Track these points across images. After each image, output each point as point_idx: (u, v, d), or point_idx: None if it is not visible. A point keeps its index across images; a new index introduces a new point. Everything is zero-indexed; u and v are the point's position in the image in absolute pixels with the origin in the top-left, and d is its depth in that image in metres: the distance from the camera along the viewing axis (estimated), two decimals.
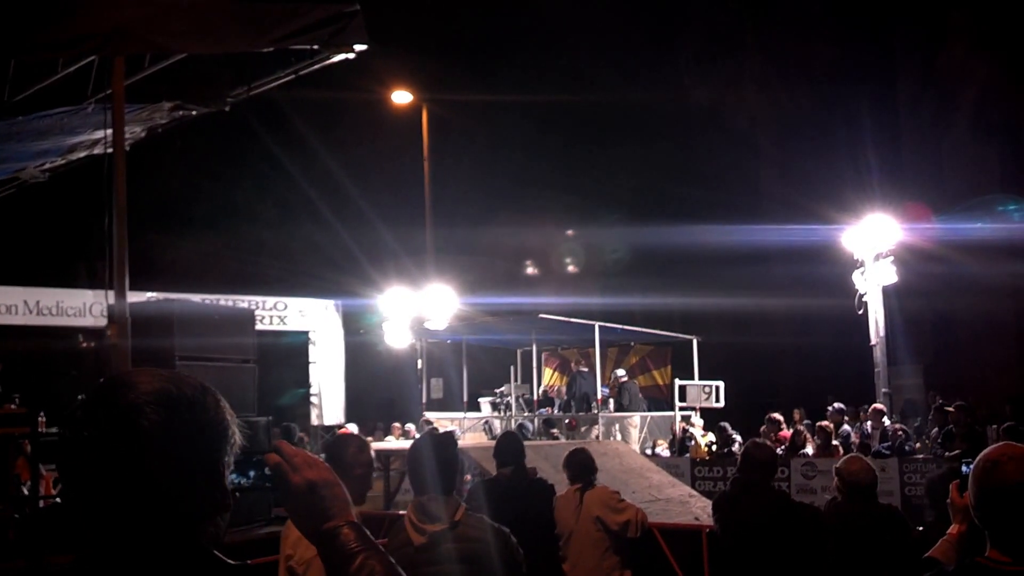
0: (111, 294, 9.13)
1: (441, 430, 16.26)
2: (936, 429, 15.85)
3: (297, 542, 4.43)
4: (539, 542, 7.05)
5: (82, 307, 19.60)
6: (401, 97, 25.92)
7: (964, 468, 3.29)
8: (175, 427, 1.62)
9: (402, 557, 4.49)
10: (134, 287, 10.39)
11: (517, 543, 4.63)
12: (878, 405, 17.25)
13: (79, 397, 1.73)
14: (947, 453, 14.59)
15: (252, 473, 2.00)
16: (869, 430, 16.64)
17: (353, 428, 19.47)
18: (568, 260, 30.91)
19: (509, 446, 7.90)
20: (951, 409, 15.84)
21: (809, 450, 16.40)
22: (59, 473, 1.70)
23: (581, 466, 7.47)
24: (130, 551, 1.58)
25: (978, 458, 2.99)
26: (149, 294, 16.91)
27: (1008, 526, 2.87)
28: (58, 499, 10.12)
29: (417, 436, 18.09)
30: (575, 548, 7.15)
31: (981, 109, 25.80)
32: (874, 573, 5.74)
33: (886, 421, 16.56)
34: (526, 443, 8.43)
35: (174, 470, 1.61)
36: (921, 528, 6.18)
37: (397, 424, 20.21)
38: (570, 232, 30.38)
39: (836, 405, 18.01)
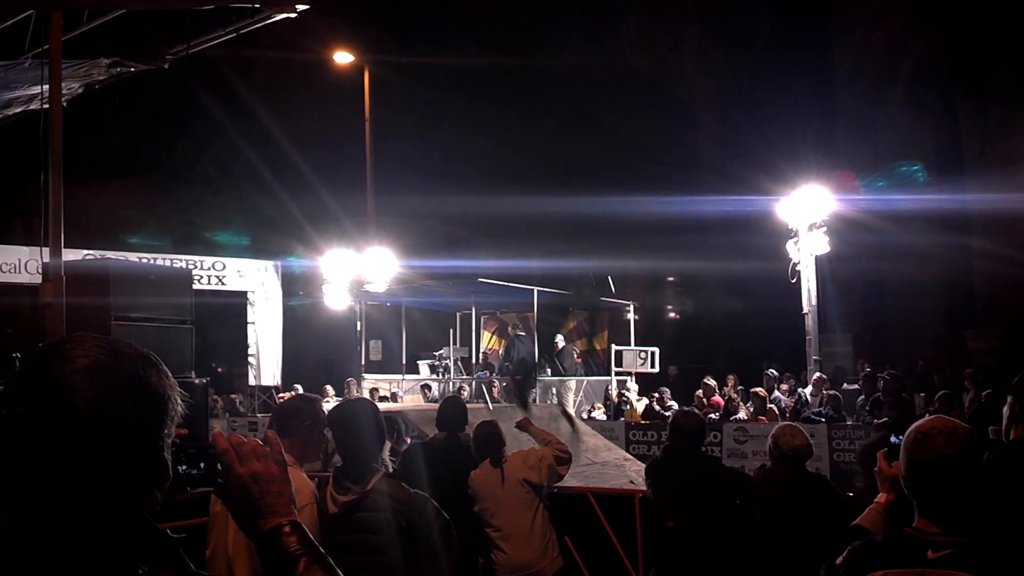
0: (46, 251, 9.02)
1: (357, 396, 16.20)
2: (863, 397, 16.23)
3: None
4: (468, 508, 7.11)
5: (17, 264, 19.29)
6: (343, 58, 25.66)
7: (893, 439, 3.35)
8: (111, 404, 1.57)
9: (323, 524, 4.48)
10: (70, 245, 10.27)
11: (438, 508, 4.58)
12: (821, 374, 17.66)
13: (15, 356, 1.71)
14: (875, 420, 14.98)
15: (203, 465, 1.99)
16: (808, 397, 17.01)
17: (299, 390, 19.49)
18: None
19: (448, 412, 7.93)
20: (886, 377, 16.20)
21: (742, 415, 16.74)
22: None
23: (484, 442, 7.28)
24: (67, 523, 1.55)
25: (909, 430, 3.06)
26: (85, 252, 16.71)
27: (937, 497, 2.95)
28: None
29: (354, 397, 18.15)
30: (506, 517, 7.02)
31: (916, 84, 26.20)
32: (804, 539, 5.85)
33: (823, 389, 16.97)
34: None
35: (110, 447, 1.57)
36: (852, 494, 6.32)
37: (329, 387, 20.23)
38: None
39: (771, 371, 18.38)
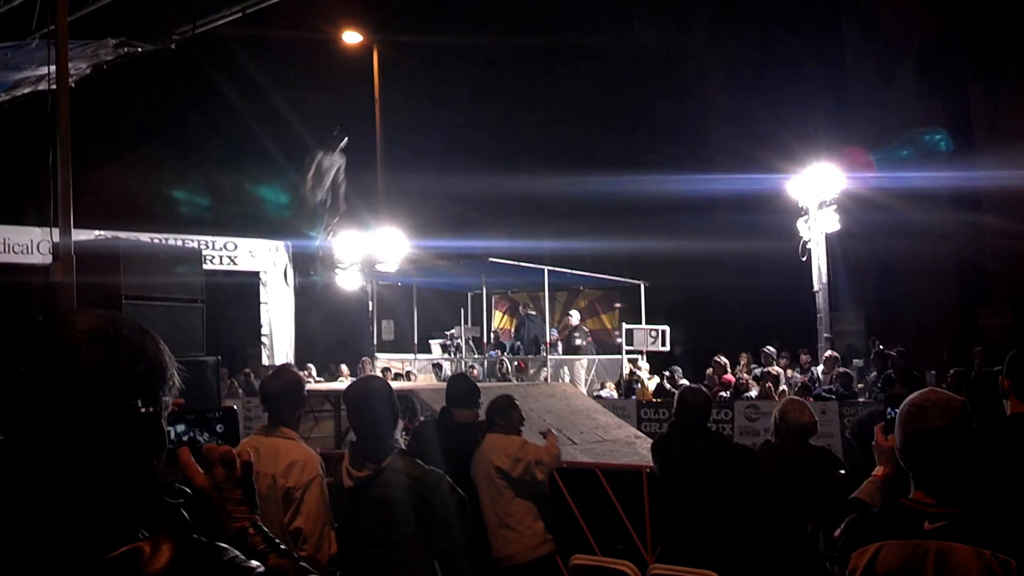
0: (56, 231, 9.07)
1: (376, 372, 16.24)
2: (875, 373, 16.21)
3: (288, 469, 4.47)
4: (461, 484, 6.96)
5: (29, 244, 19.31)
6: (351, 37, 25.62)
7: (890, 412, 3.36)
8: (111, 366, 1.62)
9: (336, 498, 4.60)
10: (82, 225, 10.32)
11: (453, 485, 4.64)
12: (832, 352, 17.62)
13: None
14: (886, 397, 14.91)
15: (219, 428, 2.06)
16: (820, 375, 16.99)
17: (312, 369, 19.61)
18: None
19: (453, 389, 7.92)
20: (893, 354, 16.17)
21: (753, 393, 16.73)
22: None
23: (486, 413, 7.25)
24: (65, 486, 1.58)
25: (904, 403, 3.10)
26: (96, 232, 16.74)
27: (932, 469, 2.99)
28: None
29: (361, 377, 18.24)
30: (484, 501, 6.91)
31: (926, 60, 26.02)
32: (807, 513, 5.87)
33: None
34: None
35: (109, 408, 1.61)
36: (843, 472, 6.33)
37: (344, 366, 20.33)
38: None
39: (768, 348, 18.41)
